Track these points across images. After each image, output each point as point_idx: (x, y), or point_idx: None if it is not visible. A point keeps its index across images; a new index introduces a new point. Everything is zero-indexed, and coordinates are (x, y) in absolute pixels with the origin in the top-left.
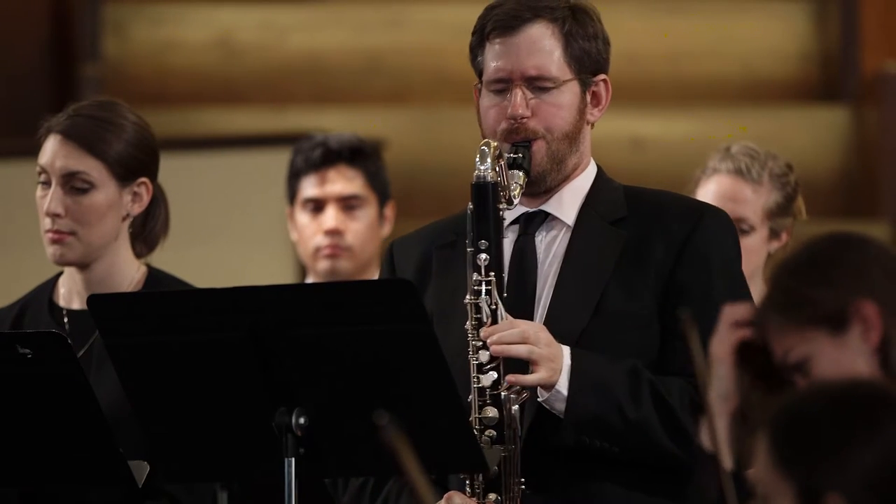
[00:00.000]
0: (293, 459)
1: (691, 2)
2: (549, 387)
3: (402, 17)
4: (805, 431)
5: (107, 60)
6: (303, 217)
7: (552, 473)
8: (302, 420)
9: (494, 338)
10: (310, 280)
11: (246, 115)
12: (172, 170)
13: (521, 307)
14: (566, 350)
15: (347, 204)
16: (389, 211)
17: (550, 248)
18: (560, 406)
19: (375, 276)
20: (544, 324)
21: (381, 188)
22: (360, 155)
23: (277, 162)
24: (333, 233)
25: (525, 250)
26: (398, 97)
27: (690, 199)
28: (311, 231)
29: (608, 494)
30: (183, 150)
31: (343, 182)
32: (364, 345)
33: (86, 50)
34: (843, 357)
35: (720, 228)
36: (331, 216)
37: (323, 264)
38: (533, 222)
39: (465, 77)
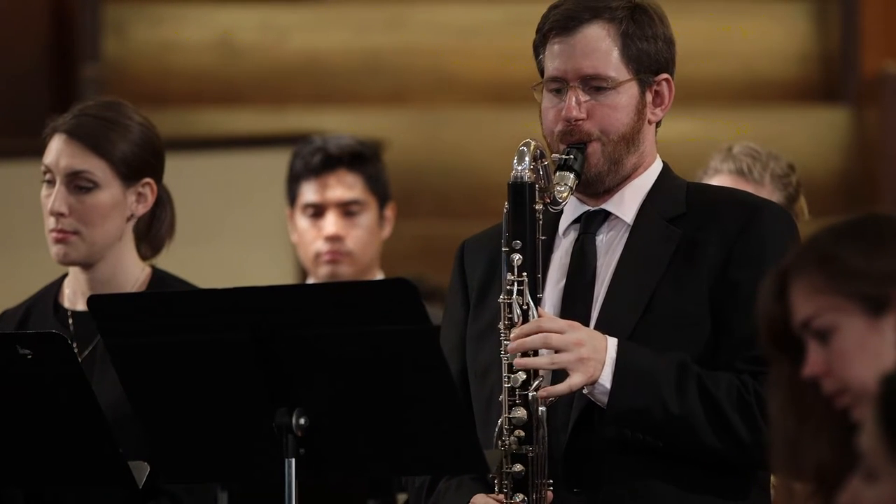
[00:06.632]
0: (293, 460)
1: (692, 2)
2: (591, 383)
3: (402, 17)
4: None
5: (107, 61)
6: (303, 222)
7: (599, 470)
8: (302, 420)
9: (514, 345)
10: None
11: (246, 115)
12: (172, 170)
13: (579, 306)
14: (612, 342)
15: (347, 209)
16: (390, 212)
17: (609, 247)
18: (603, 399)
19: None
20: (598, 322)
21: (381, 190)
22: (359, 159)
23: (277, 162)
24: (334, 239)
25: (584, 249)
26: (398, 97)
27: (751, 195)
28: (311, 236)
29: (656, 493)
30: (183, 151)
31: (343, 188)
32: (364, 345)
33: (86, 50)
34: (870, 340)
35: (776, 225)
36: (331, 222)
37: (324, 269)
38: (594, 221)
39: (465, 77)
